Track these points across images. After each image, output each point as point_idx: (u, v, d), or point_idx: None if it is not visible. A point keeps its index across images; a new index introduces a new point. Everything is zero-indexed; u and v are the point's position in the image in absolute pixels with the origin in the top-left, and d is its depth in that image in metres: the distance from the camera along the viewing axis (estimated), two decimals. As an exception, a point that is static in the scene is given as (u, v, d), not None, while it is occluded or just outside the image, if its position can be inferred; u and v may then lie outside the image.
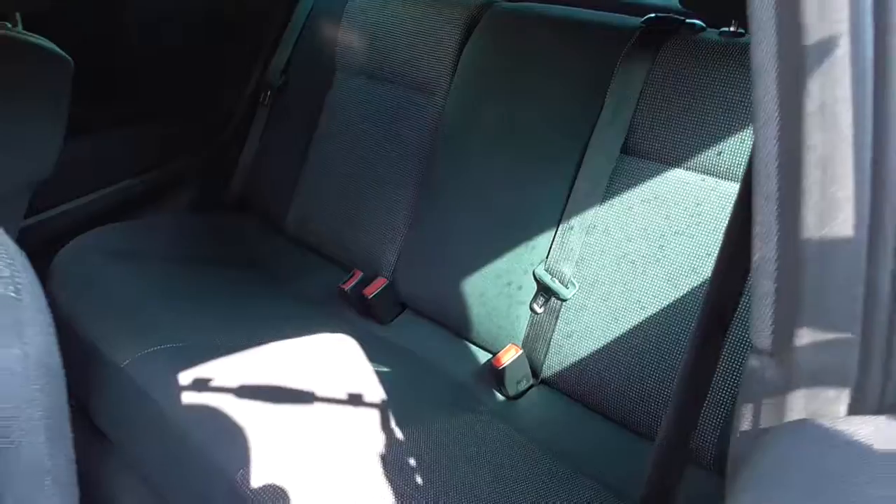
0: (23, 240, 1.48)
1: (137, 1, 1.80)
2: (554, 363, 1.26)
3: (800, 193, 0.33)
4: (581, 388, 1.23)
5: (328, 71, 1.75)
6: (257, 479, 0.98)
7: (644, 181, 1.21)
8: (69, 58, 1.51)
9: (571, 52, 1.36)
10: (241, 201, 1.93)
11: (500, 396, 1.31)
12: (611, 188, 1.24)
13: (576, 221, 1.26)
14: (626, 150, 1.24)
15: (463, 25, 1.52)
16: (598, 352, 1.21)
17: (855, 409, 0.33)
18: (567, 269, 1.26)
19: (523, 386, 1.30)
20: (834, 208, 0.33)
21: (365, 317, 1.52)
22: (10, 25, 1.46)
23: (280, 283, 1.64)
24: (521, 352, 1.28)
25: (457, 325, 1.42)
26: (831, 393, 0.33)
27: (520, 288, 1.32)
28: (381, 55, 1.64)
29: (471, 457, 1.09)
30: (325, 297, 1.58)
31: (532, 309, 1.30)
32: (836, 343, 0.33)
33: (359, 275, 1.53)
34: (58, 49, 1.50)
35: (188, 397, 1.14)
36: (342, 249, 1.65)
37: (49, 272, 1.50)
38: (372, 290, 1.49)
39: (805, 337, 0.34)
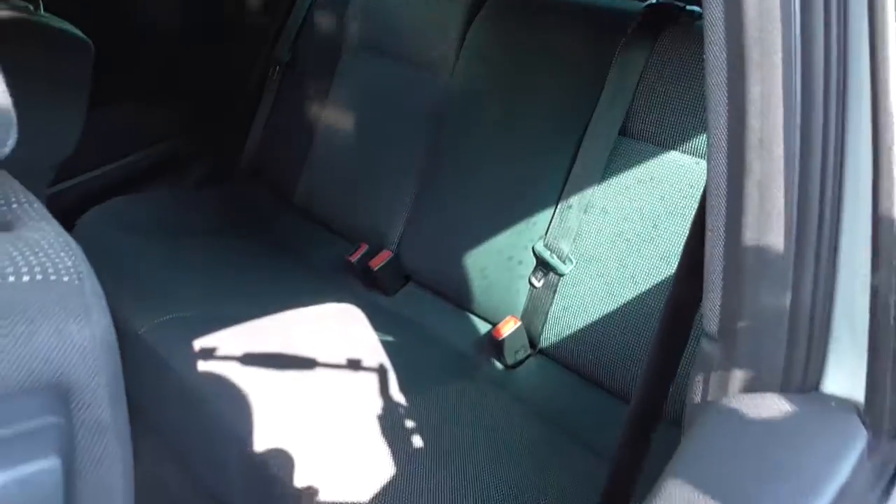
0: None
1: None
2: (551, 335, 1.32)
3: (742, 209, 0.38)
4: (576, 359, 1.29)
5: (335, 48, 1.78)
6: (269, 442, 1.05)
7: (641, 163, 1.25)
8: (90, 41, 1.53)
9: (573, 35, 1.40)
10: (252, 174, 1.97)
11: (498, 365, 1.37)
12: (609, 169, 1.28)
13: (574, 200, 1.31)
14: (624, 132, 1.28)
15: (468, 6, 1.55)
16: (593, 324, 1.27)
17: (783, 387, 0.39)
18: (565, 246, 1.31)
19: (521, 355, 1.36)
20: (768, 222, 0.38)
21: (370, 288, 1.57)
22: (31, 8, 1.48)
23: (289, 255, 1.69)
24: (519, 323, 1.33)
25: (459, 298, 1.47)
26: (764, 374, 0.39)
27: (520, 263, 1.37)
28: (388, 33, 1.67)
29: (468, 421, 1.16)
30: (332, 268, 1.63)
31: (531, 283, 1.35)
32: (768, 333, 0.39)
33: (365, 247, 1.58)
34: (79, 32, 1.52)
35: (203, 365, 1.20)
36: (349, 223, 1.69)
37: None
38: (377, 263, 1.54)
39: (744, 327, 0.40)
